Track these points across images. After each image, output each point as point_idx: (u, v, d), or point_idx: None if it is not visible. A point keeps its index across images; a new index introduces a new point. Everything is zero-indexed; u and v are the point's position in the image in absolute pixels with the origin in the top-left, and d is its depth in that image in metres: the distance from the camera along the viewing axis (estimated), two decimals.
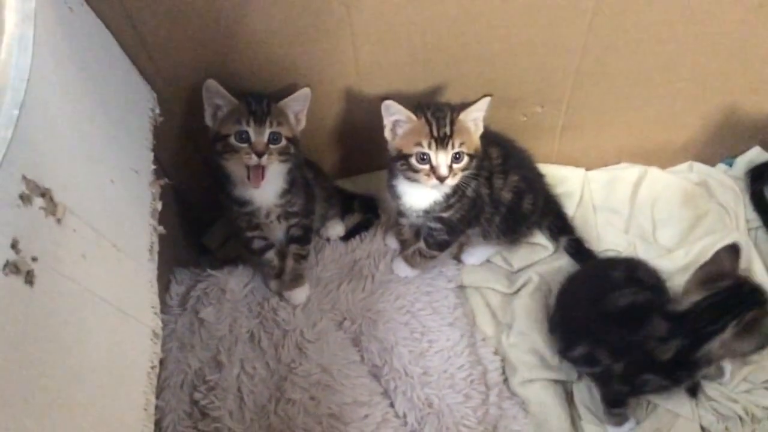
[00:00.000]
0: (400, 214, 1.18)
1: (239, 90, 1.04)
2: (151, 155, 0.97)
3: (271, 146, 1.01)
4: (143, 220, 0.91)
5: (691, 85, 1.21)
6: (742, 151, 1.37)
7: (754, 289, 0.98)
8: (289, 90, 1.05)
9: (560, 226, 1.27)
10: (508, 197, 1.15)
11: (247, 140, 1.00)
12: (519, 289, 1.25)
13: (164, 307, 1.16)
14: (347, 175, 1.38)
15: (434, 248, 1.18)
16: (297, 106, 1.05)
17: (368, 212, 1.32)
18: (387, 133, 1.05)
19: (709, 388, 1.15)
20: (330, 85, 1.15)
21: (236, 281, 1.19)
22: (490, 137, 1.11)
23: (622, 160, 1.38)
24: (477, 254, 1.29)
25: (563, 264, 1.27)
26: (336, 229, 1.28)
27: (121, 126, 0.91)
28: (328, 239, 1.28)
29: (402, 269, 1.24)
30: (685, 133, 1.34)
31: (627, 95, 1.23)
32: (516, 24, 1.05)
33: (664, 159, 1.38)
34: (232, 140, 1.01)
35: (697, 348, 0.98)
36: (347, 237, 1.29)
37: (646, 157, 1.37)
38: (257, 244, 1.16)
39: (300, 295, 1.18)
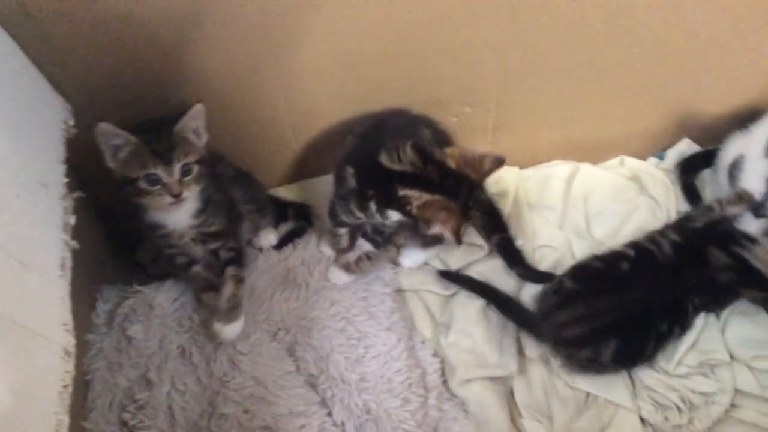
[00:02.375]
0: (339, 223, 1.17)
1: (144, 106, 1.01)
2: (63, 168, 0.94)
3: (185, 179, 0.99)
4: (53, 235, 0.88)
5: (618, 81, 1.22)
6: (673, 144, 1.39)
7: None
8: (182, 107, 0.99)
9: (494, 225, 1.26)
10: None
11: (158, 182, 0.97)
12: (457, 290, 1.25)
13: (90, 326, 1.13)
14: (282, 183, 1.36)
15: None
16: (194, 124, 1.01)
17: (301, 219, 1.30)
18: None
19: (648, 377, 1.16)
20: (257, 91, 1.14)
21: (165, 296, 1.16)
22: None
23: (555, 157, 1.39)
24: (414, 257, 1.28)
25: (499, 263, 1.27)
26: (268, 238, 1.26)
27: (27, 139, 0.88)
28: (260, 249, 1.26)
29: (338, 277, 1.22)
30: (616, 128, 1.35)
31: (556, 93, 1.23)
32: (436, 23, 1.05)
33: (597, 154, 1.39)
34: (143, 184, 0.97)
35: None
36: (280, 245, 1.26)
37: (579, 153, 1.38)
38: (180, 260, 1.13)
39: (232, 331, 1.12)
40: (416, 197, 0.97)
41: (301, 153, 1.29)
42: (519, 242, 1.28)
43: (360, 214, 1.06)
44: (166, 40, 0.99)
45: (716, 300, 1.19)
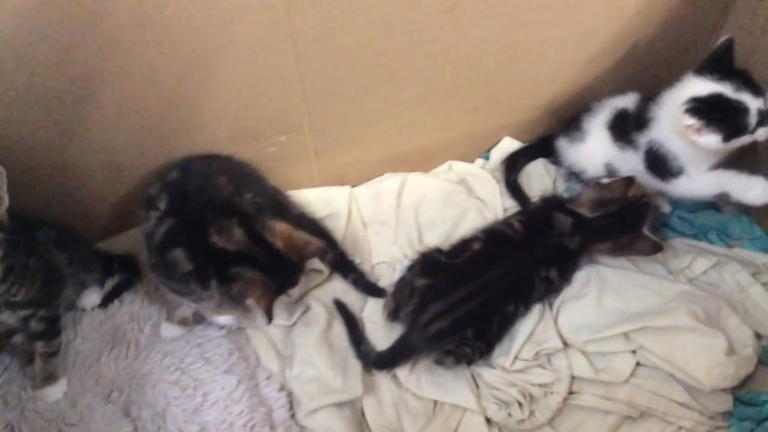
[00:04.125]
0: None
1: None
2: None
3: None
4: None
5: (426, 92, 1.24)
6: (496, 143, 1.43)
7: (639, 212, 1.20)
8: None
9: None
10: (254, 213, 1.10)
11: None
12: (297, 319, 1.24)
13: None
14: (107, 236, 1.31)
15: None
16: None
17: (127, 271, 1.26)
18: None
19: (489, 375, 1.19)
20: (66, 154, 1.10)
21: None
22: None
23: (385, 171, 1.40)
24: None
25: (338, 285, 1.27)
26: (91, 297, 1.21)
27: None
28: (85, 309, 1.21)
29: (171, 331, 1.20)
30: (440, 135, 1.37)
31: (370, 110, 1.24)
32: (221, 60, 1.04)
33: (426, 162, 1.42)
34: None
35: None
36: (106, 302, 1.22)
37: (409, 163, 1.40)
38: None
39: (54, 392, 1.10)
40: (242, 274, 0.99)
41: (119, 205, 1.24)
42: (357, 261, 1.29)
43: (203, 294, 1.05)
44: None
45: (563, 270, 1.24)
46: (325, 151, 1.30)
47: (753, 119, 1.09)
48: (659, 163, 1.20)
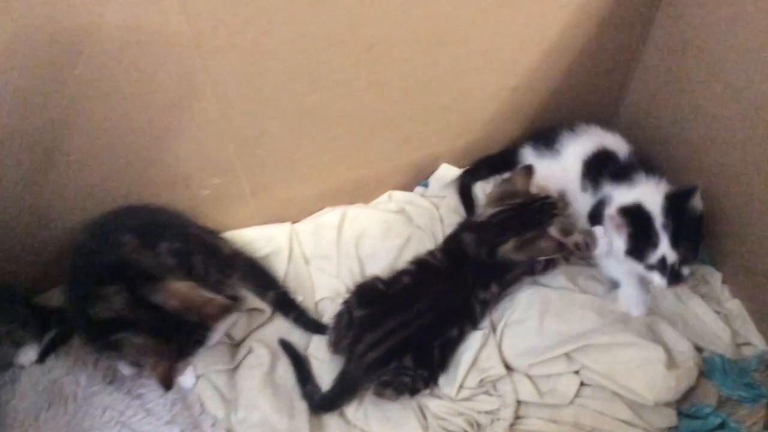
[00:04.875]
0: None
1: None
2: None
3: None
4: None
5: (356, 127, 1.24)
6: (434, 171, 1.44)
7: (542, 208, 1.20)
8: None
9: (264, 283, 1.25)
10: (172, 262, 1.09)
11: None
12: (240, 362, 1.23)
13: None
14: (45, 289, 1.29)
15: None
16: None
17: (64, 323, 1.23)
18: None
19: (436, 405, 1.18)
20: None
21: None
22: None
23: (325, 205, 1.40)
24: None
25: (281, 324, 1.26)
26: (28, 354, 1.19)
27: None
28: (22, 367, 1.19)
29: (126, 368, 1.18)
30: (377, 167, 1.38)
31: (301, 148, 1.24)
32: (145, 110, 1.04)
33: (366, 194, 1.42)
34: None
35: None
36: (43, 357, 1.19)
37: (349, 196, 1.40)
38: None
39: None
40: (126, 340, 0.97)
41: (53, 259, 1.23)
42: (299, 299, 1.29)
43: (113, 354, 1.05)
44: None
45: (501, 283, 1.25)
46: (261, 190, 1.29)
47: (654, 258, 1.14)
48: (597, 218, 1.23)
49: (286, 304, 1.26)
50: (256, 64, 1.02)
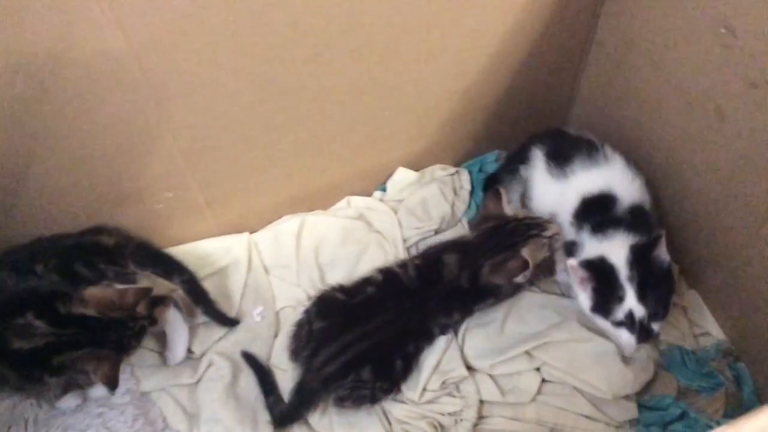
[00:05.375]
0: None
1: None
2: None
3: None
4: None
5: (309, 135, 1.23)
6: (391, 174, 1.44)
7: (515, 230, 1.19)
8: None
9: (167, 269, 1.22)
10: (56, 278, 1.07)
11: None
12: (201, 376, 1.22)
13: None
14: None
15: None
16: None
17: None
18: None
19: (399, 410, 1.18)
20: None
21: None
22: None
23: (283, 213, 1.39)
24: (178, 351, 1.23)
25: (241, 336, 1.26)
26: None
27: None
28: None
29: (68, 402, 1.16)
30: (333, 174, 1.37)
31: (254, 158, 1.23)
32: (91, 128, 1.03)
33: (324, 200, 1.42)
34: None
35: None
36: None
37: (307, 203, 1.40)
38: None
39: None
40: (68, 360, 0.97)
41: None
42: (258, 310, 1.28)
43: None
44: None
45: (463, 311, 1.25)
46: (216, 202, 1.29)
47: (621, 313, 1.10)
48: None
49: (194, 292, 1.23)
50: (199, 76, 1.02)
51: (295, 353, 1.20)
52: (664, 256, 1.11)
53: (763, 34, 0.94)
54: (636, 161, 1.25)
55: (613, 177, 1.20)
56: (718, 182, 1.13)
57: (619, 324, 1.12)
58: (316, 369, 1.14)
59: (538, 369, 1.21)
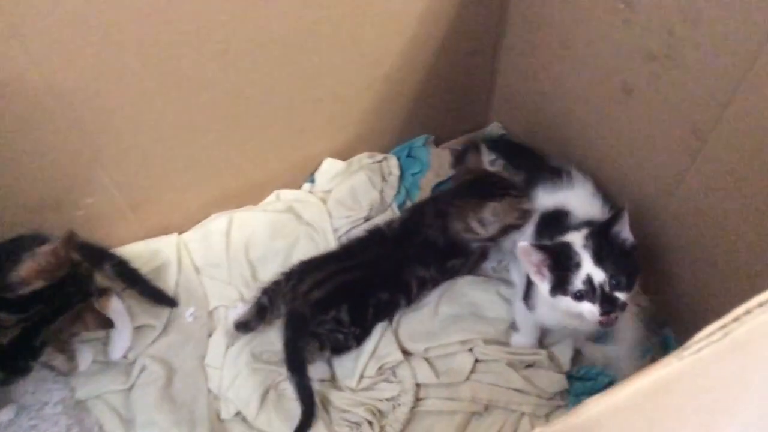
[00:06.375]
0: None
1: None
2: None
3: None
4: None
5: (228, 131, 1.23)
6: (318, 166, 1.44)
7: (494, 183, 1.22)
8: None
9: (95, 255, 1.19)
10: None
11: None
12: (135, 381, 1.21)
13: None
14: None
15: None
16: None
17: None
18: None
19: (337, 398, 1.19)
20: None
21: None
22: None
23: (212, 212, 1.38)
24: (122, 343, 1.22)
25: (173, 339, 1.25)
26: None
27: None
28: None
29: (4, 414, 1.14)
30: (260, 169, 1.36)
31: (175, 158, 1.22)
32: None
33: (253, 196, 1.41)
34: None
35: None
36: None
37: (236, 200, 1.39)
38: None
39: None
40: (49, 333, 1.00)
41: None
42: (190, 311, 1.27)
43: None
44: None
45: (437, 270, 1.27)
46: (141, 204, 1.27)
47: (579, 281, 1.00)
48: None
49: (127, 275, 1.22)
50: (104, 79, 1.00)
51: (259, 314, 1.22)
52: (626, 235, 1.03)
53: (658, 6, 0.96)
54: (554, 138, 1.27)
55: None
56: (629, 153, 1.16)
57: (579, 296, 1.01)
58: (302, 295, 1.18)
59: (471, 350, 1.23)
